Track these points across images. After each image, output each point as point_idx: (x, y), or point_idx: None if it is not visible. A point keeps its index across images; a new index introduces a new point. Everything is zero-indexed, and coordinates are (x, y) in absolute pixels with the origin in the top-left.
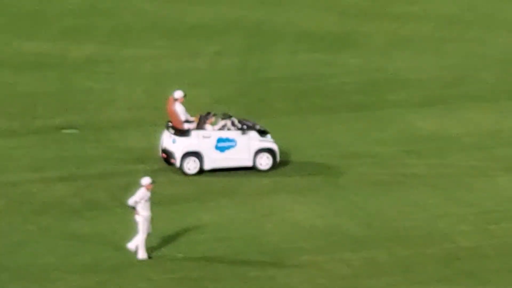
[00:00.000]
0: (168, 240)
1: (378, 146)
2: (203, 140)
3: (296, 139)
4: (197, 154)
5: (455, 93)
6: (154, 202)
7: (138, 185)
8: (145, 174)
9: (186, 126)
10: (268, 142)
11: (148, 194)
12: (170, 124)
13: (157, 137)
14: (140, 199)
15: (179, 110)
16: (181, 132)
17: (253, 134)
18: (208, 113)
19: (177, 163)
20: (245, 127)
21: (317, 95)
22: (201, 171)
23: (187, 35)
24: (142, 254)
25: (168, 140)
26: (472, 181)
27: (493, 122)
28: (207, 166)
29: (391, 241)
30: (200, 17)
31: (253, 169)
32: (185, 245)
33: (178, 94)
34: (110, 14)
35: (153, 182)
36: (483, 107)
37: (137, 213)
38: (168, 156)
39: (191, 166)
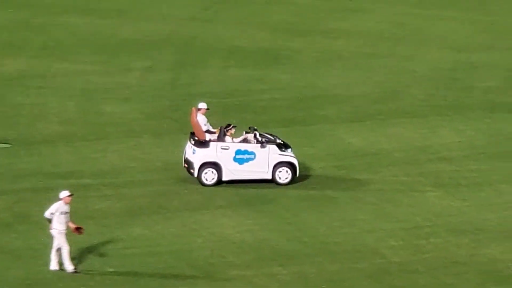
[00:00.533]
0: (98, 254)
1: (308, 162)
2: (221, 151)
3: None
4: (215, 165)
5: (385, 109)
6: (85, 216)
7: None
8: (74, 188)
9: (208, 137)
10: (288, 156)
11: (66, 207)
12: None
13: (86, 152)
14: (55, 211)
15: (201, 121)
16: (200, 143)
17: (272, 147)
18: (229, 125)
19: (195, 173)
20: (264, 140)
21: (247, 111)
22: (219, 182)
23: (118, 51)
24: (68, 266)
25: (189, 151)
26: (401, 196)
27: (422, 137)
28: (226, 177)
29: (320, 256)
30: (131, 33)
31: (272, 182)
32: (116, 259)
33: (201, 105)
34: (42, 30)
35: (71, 195)
36: (413, 122)
37: (51, 227)
38: (188, 166)
39: (208, 176)
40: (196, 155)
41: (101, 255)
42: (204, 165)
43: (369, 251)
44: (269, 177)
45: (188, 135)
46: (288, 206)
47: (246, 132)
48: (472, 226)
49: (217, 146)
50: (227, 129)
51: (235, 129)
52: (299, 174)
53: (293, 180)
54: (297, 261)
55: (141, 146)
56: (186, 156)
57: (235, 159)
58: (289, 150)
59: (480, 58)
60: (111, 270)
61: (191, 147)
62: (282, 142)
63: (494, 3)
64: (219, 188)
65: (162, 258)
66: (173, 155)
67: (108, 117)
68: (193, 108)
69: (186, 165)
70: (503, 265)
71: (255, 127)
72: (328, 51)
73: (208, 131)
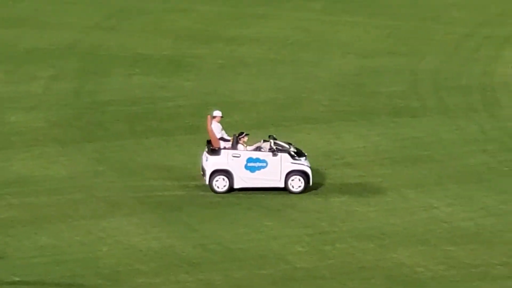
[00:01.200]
0: (4, 263)
1: None
2: (232, 159)
3: (132, 162)
4: (226, 173)
5: (290, 115)
6: None
7: None
8: None
9: (222, 144)
10: (301, 165)
11: None
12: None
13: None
14: None
15: (215, 128)
16: (212, 151)
17: (284, 156)
18: (241, 133)
19: (206, 181)
20: (275, 148)
21: (152, 118)
22: (231, 190)
23: (22, 60)
24: None
25: (204, 158)
26: (306, 202)
27: (327, 143)
28: (237, 185)
29: (226, 262)
30: (35, 42)
31: (285, 190)
32: (22, 268)
33: (216, 113)
34: None
35: None
36: (318, 128)
37: None
38: (203, 174)
39: (220, 184)
40: (208, 163)
41: (8, 264)
42: (215, 173)
43: (275, 257)
44: (282, 185)
45: (205, 143)
46: (193, 213)
47: (264, 141)
48: (378, 231)
49: (228, 153)
50: (240, 137)
51: (248, 137)
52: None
53: (306, 189)
54: (203, 268)
55: (46, 155)
56: (202, 164)
57: (246, 167)
58: (303, 158)
59: (384, 63)
60: (17, 279)
61: (205, 155)
62: (295, 151)
63: (398, 8)
64: (125, 196)
65: (69, 266)
66: (78, 164)
67: (12, 126)
68: (208, 116)
69: (202, 173)
70: (409, 269)
71: (274, 136)
72: (232, 57)
73: (222, 139)
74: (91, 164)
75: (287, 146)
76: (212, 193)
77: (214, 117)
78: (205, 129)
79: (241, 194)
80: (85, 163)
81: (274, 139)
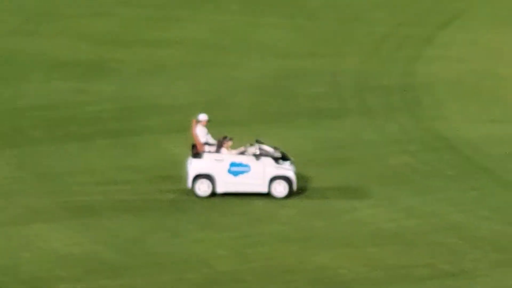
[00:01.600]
0: None
1: (134, 173)
2: (215, 163)
3: (52, 168)
4: (209, 177)
5: (211, 118)
6: None
7: None
8: None
9: (207, 149)
10: (284, 169)
11: None
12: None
13: None
14: None
15: (199, 132)
16: (195, 155)
17: (267, 160)
18: (225, 137)
19: (189, 184)
20: (258, 153)
21: (72, 123)
22: (214, 194)
23: None
24: None
25: (188, 162)
26: (229, 205)
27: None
28: (220, 189)
29: (148, 267)
30: None
31: (269, 195)
32: None
33: (202, 117)
34: None
35: None
36: (238, 131)
37: None
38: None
39: (202, 188)
40: (190, 167)
41: None
42: (198, 177)
43: (197, 261)
44: (265, 190)
45: (190, 147)
46: (114, 218)
47: (251, 145)
48: (301, 233)
49: (211, 157)
50: (223, 141)
51: (232, 141)
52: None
53: (291, 194)
54: (126, 273)
55: None
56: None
57: (229, 171)
58: (287, 163)
59: (304, 64)
60: None
61: (189, 159)
62: (280, 155)
63: (317, 9)
64: (45, 202)
65: None
66: None
67: None
68: (193, 120)
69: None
70: (332, 271)
71: (261, 139)
72: (151, 61)
73: (207, 143)
74: (10, 170)
75: (272, 150)
76: (135, 197)
77: (200, 121)
78: (129, 131)
79: (163, 198)
80: (4, 169)
81: (260, 143)
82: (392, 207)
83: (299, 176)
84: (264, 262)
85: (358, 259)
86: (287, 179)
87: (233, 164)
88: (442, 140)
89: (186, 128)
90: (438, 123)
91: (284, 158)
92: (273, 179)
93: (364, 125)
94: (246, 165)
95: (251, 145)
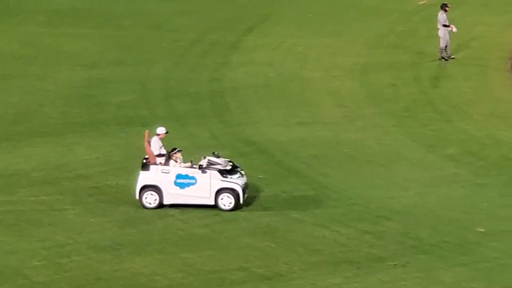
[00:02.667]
0: None
1: None
2: (161, 175)
3: None
4: (156, 188)
5: (21, 129)
6: None
7: None
8: None
9: (158, 160)
10: (230, 182)
11: None
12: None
13: None
14: None
15: (154, 144)
16: (143, 166)
17: (214, 173)
18: (174, 149)
19: (136, 196)
20: (204, 165)
21: None
22: (161, 206)
23: None
24: None
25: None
26: (41, 215)
27: (59, 156)
28: (167, 201)
29: None
30: None
31: (216, 208)
32: None
33: (160, 130)
34: None
35: None
36: (49, 141)
37: None
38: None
39: (149, 199)
40: (138, 178)
41: None
42: (145, 188)
43: (12, 272)
44: (212, 202)
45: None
46: None
47: (204, 157)
48: (114, 241)
49: (157, 169)
50: (172, 153)
51: (181, 153)
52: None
53: (237, 206)
54: None
55: None
56: None
57: (176, 183)
58: (236, 176)
59: (112, 73)
60: None
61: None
62: (227, 168)
63: (122, 18)
64: None
65: None
66: None
67: None
68: (146, 132)
69: None
70: (147, 278)
71: (217, 152)
72: None
73: (159, 155)
74: None
75: (222, 163)
76: None
77: (158, 134)
78: None
79: None
80: None
81: (217, 156)
82: (204, 212)
83: (110, 185)
84: (79, 271)
85: (172, 265)
86: (233, 191)
87: (179, 176)
88: (252, 145)
89: None
90: (247, 128)
91: (232, 171)
92: (219, 191)
93: (174, 132)
94: (192, 177)
95: (204, 158)
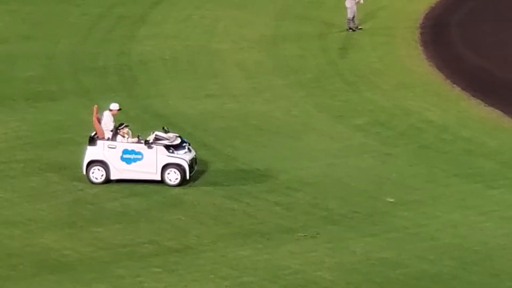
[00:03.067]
0: None
1: None
2: (108, 150)
3: None
4: (102, 163)
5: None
6: None
7: None
8: None
9: (107, 135)
10: (176, 157)
11: None
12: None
13: None
14: None
15: (106, 119)
16: (90, 141)
17: (160, 148)
18: (121, 124)
19: (83, 171)
20: (150, 141)
21: None
22: (108, 181)
23: None
24: None
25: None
26: None
27: None
28: (114, 176)
29: None
30: None
31: (162, 183)
32: None
33: (113, 106)
34: None
35: None
36: None
37: None
38: None
39: (96, 175)
40: (85, 153)
41: None
42: (92, 163)
43: None
44: (159, 178)
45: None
46: None
47: (152, 132)
48: (24, 216)
49: (104, 144)
50: (119, 128)
51: (128, 128)
52: None
53: (184, 181)
54: None
55: None
56: None
57: (122, 158)
58: (182, 151)
59: (19, 48)
60: None
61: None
62: (174, 144)
63: None
64: None
65: None
66: None
67: None
68: (95, 107)
69: None
70: (58, 253)
71: (167, 128)
72: None
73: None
74: None
75: (171, 137)
76: None
77: (111, 110)
78: None
79: None
80: None
81: (166, 131)
82: (114, 186)
83: (18, 160)
84: None
85: (82, 240)
86: (179, 166)
87: (125, 152)
88: (161, 118)
89: None
90: (156, 101)
91: (179, 146)
92: (165, 167)
93: (82, 106)
94: (138, 153)
95: (152, 133)
